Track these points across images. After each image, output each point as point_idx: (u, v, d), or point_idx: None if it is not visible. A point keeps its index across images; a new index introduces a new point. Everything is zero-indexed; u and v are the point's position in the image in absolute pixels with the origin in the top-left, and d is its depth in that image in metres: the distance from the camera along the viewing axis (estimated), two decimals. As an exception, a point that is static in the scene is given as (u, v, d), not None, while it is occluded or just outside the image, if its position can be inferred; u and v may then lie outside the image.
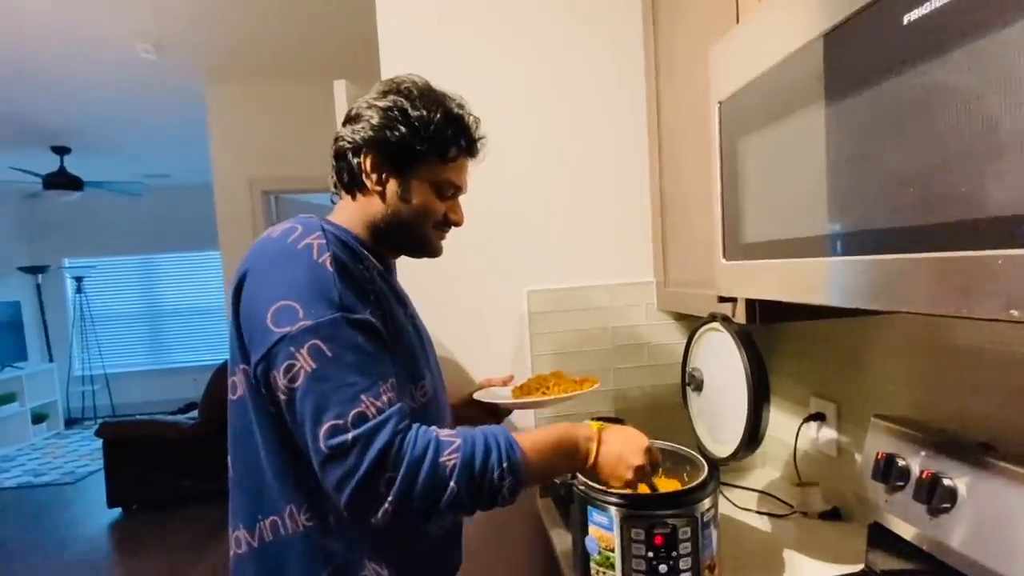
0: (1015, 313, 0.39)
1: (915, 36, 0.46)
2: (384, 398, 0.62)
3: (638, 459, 0.74)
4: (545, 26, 1.30)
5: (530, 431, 0.72)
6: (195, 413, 3.54)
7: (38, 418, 5.13)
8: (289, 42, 2.62)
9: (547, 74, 1.31)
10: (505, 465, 0.64)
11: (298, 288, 0.63)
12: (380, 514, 0.60)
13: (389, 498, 0.59)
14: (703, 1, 0.99)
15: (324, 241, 0.66)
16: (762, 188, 0.70)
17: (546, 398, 0.96)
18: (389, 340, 0.69)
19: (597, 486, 0.81)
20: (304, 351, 0.61)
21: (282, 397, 0.63)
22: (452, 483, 0.61)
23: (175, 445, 3.28)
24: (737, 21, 0.85)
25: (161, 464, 3.29)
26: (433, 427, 0.65)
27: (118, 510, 3.33)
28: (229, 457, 0.73)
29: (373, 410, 0.61)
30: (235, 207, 3.11)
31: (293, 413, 0.63)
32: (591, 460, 0.74)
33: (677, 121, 1.16)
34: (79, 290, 5.56)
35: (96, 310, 5.70)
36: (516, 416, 1.27)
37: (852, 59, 0.53)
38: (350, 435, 0.59)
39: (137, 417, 3.80)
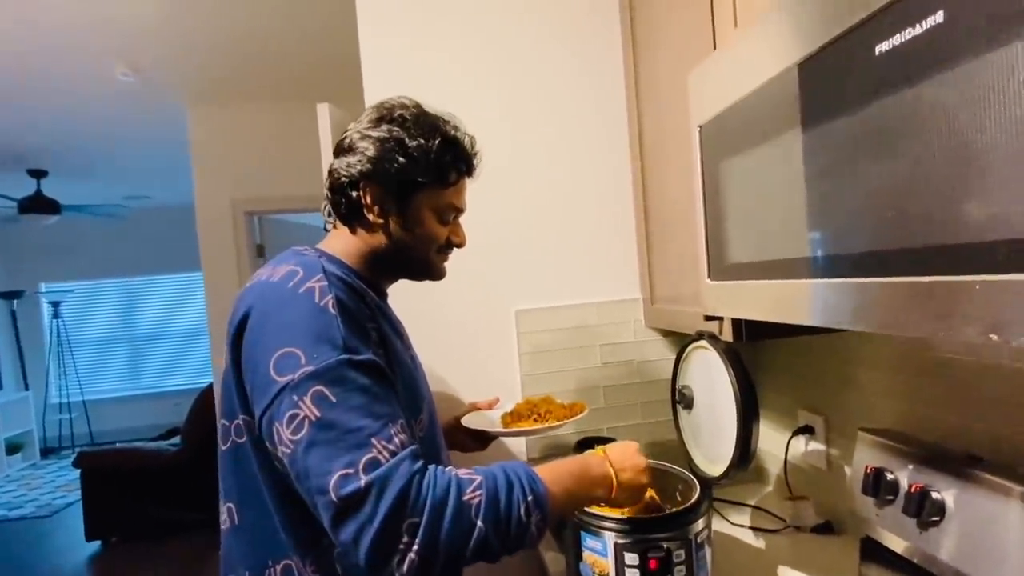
0: (994, 337, 0.40)
1: (887, 66, 0.47)
2: (396, 440, 0.59)
3: (643, 468, 0.73)
4: (527, 48, 1.32)
5: (546, 465, 0.68)
6: (177, 439, 3.45)
7: (13, 448, 4.96)
8: (270, 64, 2.62)
9: (530, 95, 1.32)
10: (530, 499, 0.61)
11: (300, 333, 0.61)
12: (407, 566, 0.55)
13: (415, 547, 0.55)
14: (680, 27, 1.01)
15: (326, 283, 0.64)
16: (744, 210, 0.72)
17: (537, 427, 0.97)
18: (393, 377, 0.68)
19: (589, 510, 0.80)
20: (308, 399, 0.58)
21: (285, 451, 0.59)
22: (479, 522, 0.58)
23: (157, 473, 3.19)
24: (715, 47, 0.87)
25: (142, 494, 3.19)
26: (450, 467, 0.62)
27: (97, 543, 3.22)
28: (226, 503, 0.70)
29: (386, 454, 0.57)
30: (218, 228, 3.07)
31: (296, 467, 0.58)
32: (614, 487, 0.70)
33: (659, 142, 1.18)
34: (56, 315, 5.42)
35: (74, 335, 5.56)
36: (507, 443, 1.27)
37: (827, 87, 0.55)
38: (363, 481, 0.55)
39: (116, 445, 3.69)
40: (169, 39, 2.31)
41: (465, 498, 0.58)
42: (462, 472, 0.61)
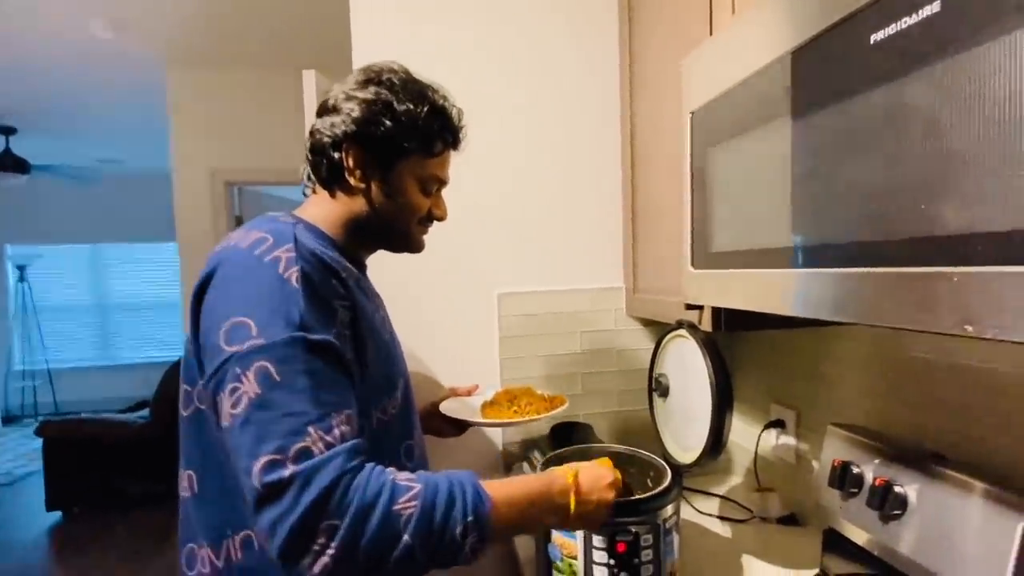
0: (969, 328, 0.40)
1: (881, 56, 0.47)
2: (336, 432, 0.55)
3: (608, 503, 0.70)
4: (522, 30, 1.29)
5: (501, 482, 0.64)
6: (146, 412, 3.38)
7: (-28, 415, 4.82)
8: (256, 27, 2.54)
9: (522, 76, 1.30)
10: (471, 519, 0.57)
11: (256, 304, 0.57)
12: (319, 568, 0.51)
13: (330, 550, 0.51)
14: (676, 13, 1.00)
15: (294, 254, 0.61)
16: (731, 198, 0.71)
17: (516, 419, 0.96)
18: (362, 355, 0.65)
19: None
20: (251, 373, 0.55)
21: (224, 424, 0.56)
22: (406, 536, 0.53)
23: (122, 445, 3.12)
24: (711, 33, 0.86)
25: (107, 465, 3.12)
26: (390, 469, 0.57)
27: (58, 514, 3.15)
28: (186, 471, 0.68)
29: (321, 445, 0.53)
30: (195, 198, 2.98)
31: (231, 443, 0.55)
32: (569, 516, 0.67)
33: (650, 129, 1.17)
34: (22, 279, 5.24)
35: (40, 301, 5.38)
36: (484, 430, 1.26)
37: (819, 76, 0.54)
38: (288, 472, 0.51)
39: (82, 415, 3.60)
40: (150, -4, 2.22)
41: (396, 507, 0.54)
42: (402, 477, 0.57)
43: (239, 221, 3.14)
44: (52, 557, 2.77)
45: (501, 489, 0.62)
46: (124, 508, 3.14)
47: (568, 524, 0.69)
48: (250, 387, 0.54)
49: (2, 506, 3.35)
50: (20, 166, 3.76)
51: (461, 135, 0.78)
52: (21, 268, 5.23)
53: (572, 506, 0.67)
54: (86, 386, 5.50)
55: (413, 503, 0.55)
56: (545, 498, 0.65)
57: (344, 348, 0.61)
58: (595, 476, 0.71)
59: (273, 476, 0.52)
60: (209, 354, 0.59)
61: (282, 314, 0.57)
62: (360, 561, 0.52)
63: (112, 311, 5.61)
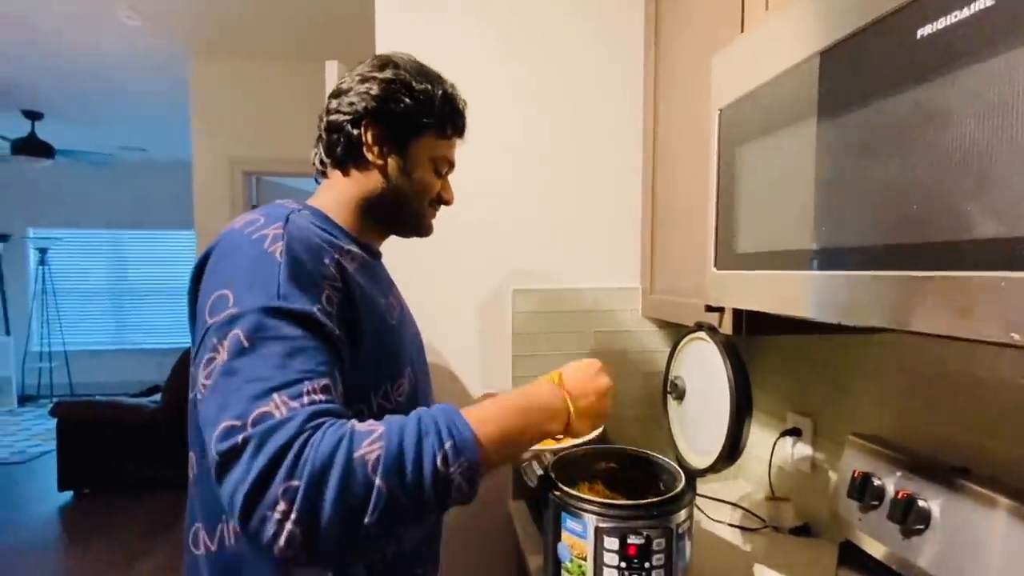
0: (1016, 336, 0.38)
1: (927, 51, 0.45)
2: (305, 399, 0.50)
3: (605, 391, 0.70)
4: (547, 25, 1.28)
5: (482, 403, 0.60)
6: (158, 397, 3.42)
7: (-10, 393, 4.92)
8: (279, 20, 2.56)
9: (546, 74, 1.29)
10: (448, 445, 0.52)
11: (237, 277, 0.57)
12: (284, 539, 0.45)
13: (292, 516, 0.45)
14: (707, 10, 0.98)
15: (281, 231, 0.60)
16: (757, 198, 0.70)
17: (558, 446, 0.83)
18: (356, 337, 0.64)
19: (571, 492, 0.79)
20: (225, 342, 0.53)
21: (197, 397, 0.53)
22: (378, 480, 0.48)
23: (134, 429, 3.16)
24: (743, 30, 0.84)
25: (118, 448, 3.17)
26: (352, 420, 0.52)
27: (69, 494, 3.20)
28: (190, 452, 0.68)
29: (284, 410, 0.49)
30: (214, 187, 3.01)
31: (201, 415, 0.52)
32: (570, 419, 0.65)
33: (674, 129, 1.15)
34: (43, 262, 5.34)
35: (59, 284, 5.47)
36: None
37: (855, 73, 0.53)
38: (241, 436, 0.48)
39: (96, 397, 3.66)
40: (177, -15, 2.24)
41: (358, 454, 0.48)
42: (362, 425, 0.52)
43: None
44: (63, 536, 2.81)
45: (481, 409, 0.58)
46: (134, 491, 3.18)
47: (573, 425, 0.66)
48: (222, 355, 0.52)
49: (16, 485, 3.41)
50: (45, 150, 3.82)
51: (466, 124, 0.81)
52: (42, 251, 5.33)
53: (570, 404, 0.65)
54: (101, 368, 5.59)
55: (378, 444, 0.50)
56: (533, 404, 0.63)
57: (330, 322, 0.58)
58: (581, 371, 0.70)
59: (229, 442, 0.48)
60: (198, 330, 0.58)
61: (260, 285, 0.55)
62: (332, 523, 0.46)
63: (128, 296, 5.70)
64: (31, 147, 3.77)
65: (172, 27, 2.62)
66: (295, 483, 0.46)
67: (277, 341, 0.53)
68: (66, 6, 2.40)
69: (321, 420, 0.50)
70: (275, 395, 0.50)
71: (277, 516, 0.46)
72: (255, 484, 0.46)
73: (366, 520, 0.48)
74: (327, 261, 0.62)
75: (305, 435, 0.48)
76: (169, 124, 4.07)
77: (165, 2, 2.38)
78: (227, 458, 0.48)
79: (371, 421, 0.53)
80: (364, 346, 0.65)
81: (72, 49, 2.86)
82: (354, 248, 0.71)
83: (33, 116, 3.84)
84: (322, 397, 0.52)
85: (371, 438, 0.50)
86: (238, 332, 0.53)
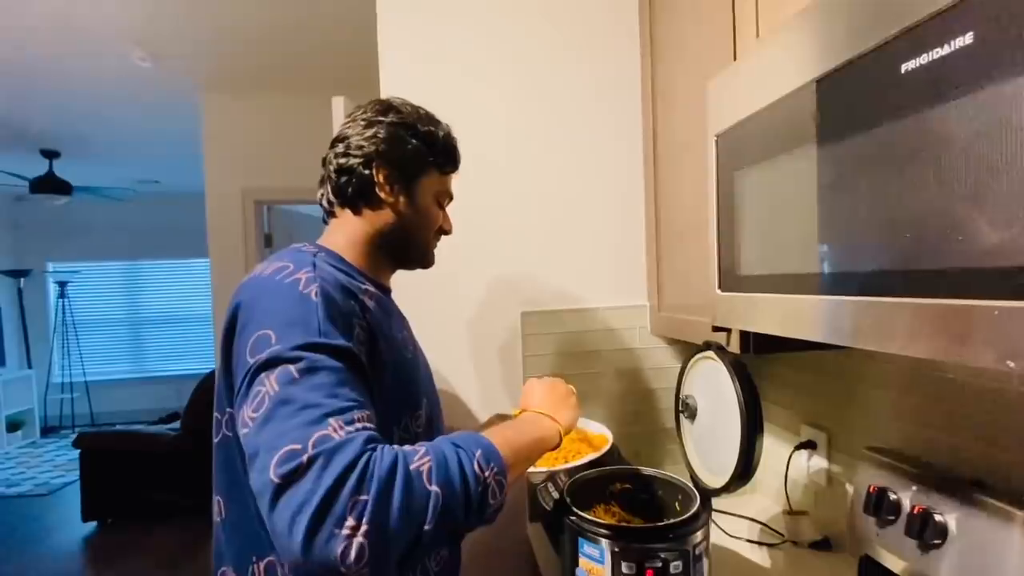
0: (1011, 364, 0.39)
1: (912, 85, 0.47)
2: (356, 425, 0.54)
3: (574, 401, 0.82)
4: (544, 53, 1.32)
5: (491, 429, 0.68)
6: (177, 424, 3.47)
7: (13, 426, 4.99)
8: (286, 54, 2.63)
9: (546, 100, 1.32)
10: (478, 455, 0.58)
11: (276, 317, 0.60)
12: (354, 554, 0.47)
13: (363, 528, 0.47)
14: (700, 37, 1.01)
15: (313, 274, 0.64)
16: (759, 222, 0.71)
17: (567, 464, 0.88)
18: (379, 372, 0.67)
19: (587, 516, 0.80)
20: (273, 377, 0.55)
21: (244, 432, 0.55)
22: (434, 487, 0.53)
23: (155, 457, 3.20)
24: (735, 58, 0.86)
25: (139, 477, 3.21)
26: (396, 444, 0.57)
27: (93, 524, 3.23)
28: (216, 496, 0.70)
29: (342, 433, 0.51)
30: (227, 216, 3.08)
31: (250, 448, 0.53)
32: (559, 425, 0.75)
33: (673, 151, 1.17)
34: (62, 295, 5.45)
35: (79, 316, 5.59)
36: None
37: (849, 102, 0.54)
38: (306, 456, 0.49)
39: (116, 427, 3.71)
40: (187, 25, 2.32)
41: (414, 466, 0.53)
42: (407, 446, 0.57)
43: (268, 238, 3.23)
44: (89, 567, 2.84)
45: (485, 432, 0.65)
46: (157, 519, 3.21)
47: (559, 419, 0.76)
48: (271, 388, 0.54)
49: (40, 516, 3.46)
50: (63, 188, 3.93)
51: (460, 159, 0.87)
52: (61, 284, 5.45)
53: (544, 408, 0.76)
54: (121, 398, 5.67)
55: (427, 457, 0.55)
56: (520, 423, 0.73)
57: (362, 358, 0.63)
58: (545, 394, 0.80)
59: (292, 464, 0.49)
60: (239, 372, 0.60)
61: (301, 323, 0.59)
62: (396, 534, 0.49)
63: (146, 325, 5.79)
64: (49, 185, 3.88)
65: (184, 66, 2.70)
66: (363, 498, 0.49)
67: (325, 372, 0.56)
68: (81, 51, 2.50)
69: (375, 444, 0.54)
70: (331, 420, 0.52)
71: (346, 532, 0.47)
72: (323, 500, 0.47)
73: (426, 527, 0.52)
74: (354, 303, 0.67)
75: (368, 454, 0.51)
76: (182, 157, 4.17)
77: (177, 43, 2.47)
78: (289, 479, 0.49)
79: (407, 445, 0.59)
80: (386, 381, 0.68)
81: (87, 91, 2.96)
82: (370, 287, 0.74)
83: (50, 155, 3.96)
84: (370, 425, 0.56)
85: (419, 453, 0.56)
86: (288, 366, 0.56)
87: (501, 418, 1.05)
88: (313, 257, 0.69)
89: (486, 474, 0.58)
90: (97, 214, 5.44)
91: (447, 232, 0.87)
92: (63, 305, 5.47)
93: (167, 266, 5.75)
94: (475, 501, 0.56)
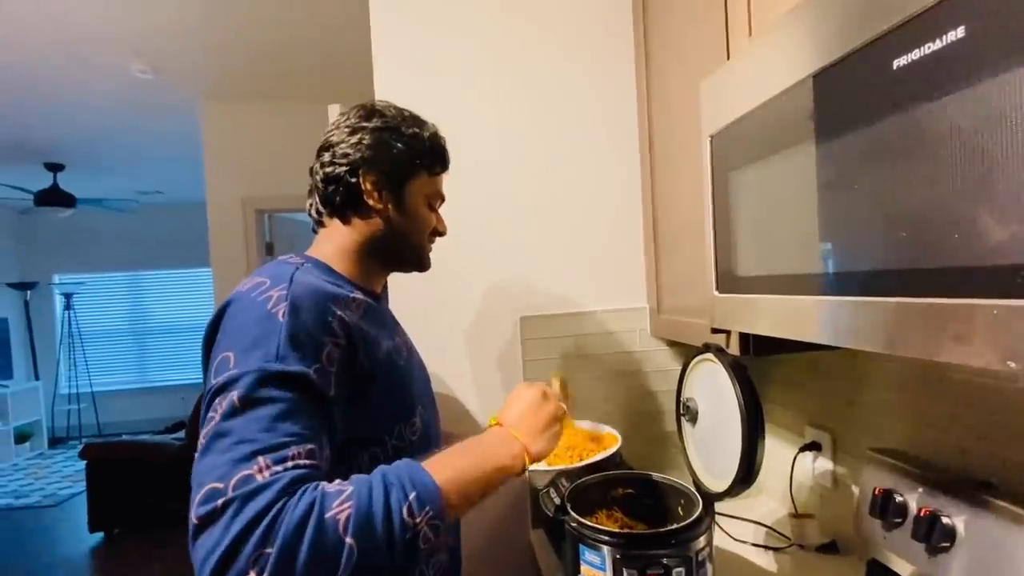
0: (1012, 364, 0.38)
1: (905, 81, 0.46)
2: (289, 463, 0.52)
3: (557, 430, 0.71)
4: (538, 57, 1.31)
5: (439, 456, 0.62)
6: (182, 433, 3.48)
7: (22, 437, 5.02)
8: (284, 64, 2.64)
9: (541, 103, 1.31)
10: (412, 497, 0.54)
11: (239, 339, 0.59)
12: None
13: None
14: (693, 37, 1.00)
15: (286, 291, 0.62)
16: (755, 222, 0.70)
17: (571, 465, 0.85)
18: (364, 384, 0.65)
19: (588, 523, 0.79)
20: (223, 403, 0.54)
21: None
22: (348, 539, 0.49)
23: (161, 466, 3.20)
24: (728, 57, 0.86)
25: (146, 486, 3.21)
26: (322, 482, 0.53)
27: (100, 535, 3.24)
28: None
29: (266, 474, 0.50)
30: (228, 225, 3.09)
31: (192, 476, 0.52)
32: (529, 448, 0.67)
33: (669, 152, 1.16)
34: (68, 306, 5.49)
35: (85, 327, 5.62)
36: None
37: (841, 100, 0.54)
38: (222, 500, 0.48)
39: (123, 437, 3.72)
40: (186, 38, 2.34)
41: (329, 515, 0.50)
42: (332, 485, 0.53)
43: (270, 247, 3.24)
44: (95, 578, 2.84)
45: (438, 459, 0.60)
46: (163, 528, 3.22)
47: (531, 450, 0.67)
48: (215, 418, 0.54)
49: (48, 528, 3.47)
50: (67, 200, 3.96)
51: (449, 159, 0.85)
52: (67, 296, 5.49)
53: (515, 432, 0.66)
54: (127, 407, 5.70)
55: (347, 504, 0.51)
56: (482, 443, 0.65)
57: (325, 383, 0.59)
58: (525, 410, 0.70)
59: (209, 506, 0.49)
60: (205, 392, 0.60)
61: (261, 346, 0.57)
62: None
63: (151, 335, 5.82)
64: (54, 198, 3.91)
65: (183, 77, 2.72)
66: (268, 551, 0.47)
67: (268, 404, 0.54)
68: (83, 65, 2.52)
69: (301, 486, 0.51)
70: (260, 458, 0.51)
71: None
72: (228, 550, 0.47)
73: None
74: (330, 319, 0.63)
75: (282, 502, 0.49)
76: (183, 167, 4.19)
77: (176, 55, 2.48)
78: (205, 521, 0.48)
79: (339, 481, 0.54)
80: (376, 393, 0.67)
81: (89, 104, 2.98)
82: (359, 295, 0.73)
83: (55, 168, 4.00)
84: (306, 462, 0.53)
85: (341, 498, 0.52)
86: (232, 395, 0.54)
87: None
88: (295, 270, 0.67)
89: (417, 520, 0.53)
90: (101, 226, 5.48)
91: (441, 234, 0.85)
92: (69, 317, 5.50)
93: (170, 276, 5.78)
94: (400, 548, 0.52)
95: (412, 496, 0.54)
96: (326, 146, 0.78)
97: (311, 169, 0.80)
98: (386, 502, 0.53)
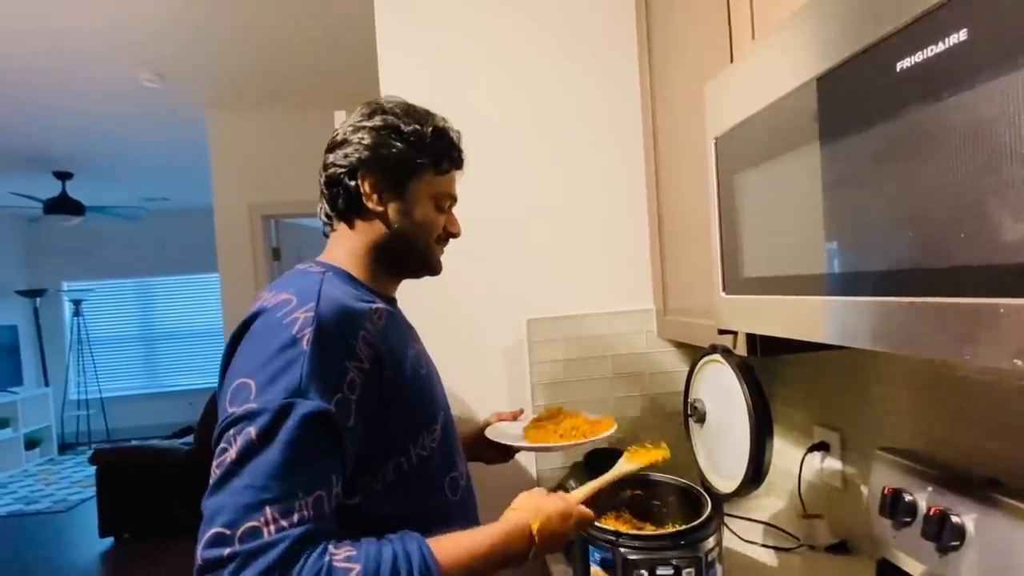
0: (1019, 363, 0.38)
1: (908, 82, 0.46)
2: (295, 516, 0.53)
3: (567, 530, 0.70)
4: (543, 59, 1.32)
5: (454, 539, 0.62)
6: (191, 438, 3.50)
7: (31, 443, 5.06)
8: (290, 70, 2.67)
9: (546, 105, 1.32)
10: None
11: (260, 366, 0.58)
12: None
13: None
14: (697, 40, 1.01)
15: (312, 314, 0.61)
16: (761, 223, 0.71)
17: (561, 443, 0.93)
18: (389, 400, 0.65)
19: (598, 524, 0.79)
20: (240, 436, 0.54)
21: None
22: None
23: (170, 471, 3.22)
24: (732, 60, 0.86)
25: (155, 492, 3.23)
26: (332, 549, 0.54)
27: (110, 540, 3.26)
28: None
29: (272, 528, 0.51)
30: (235, 231, 3.12)
31: (203, 505, 0.54)
32: (527, 558, 0.67)
33: (674, 153, 1.17)
34: (77, 313, 5.54)
35: (93, 333, 5.67)
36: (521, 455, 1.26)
37: (846, 101, 0.54)
38: (227, 550, 0.50)
39: (132, 443, 3.75)
40: (192, 46, 2.37)
41: None
42: (340, 557, 0.54)
43: (276, 252, 3.26)
44: (106, 583, 2.86)
45: (452, 550, 0.60)
46: (173, 533, 3.23)
47: (524, 562, 0.68)
48: (231, 452, 0.54)
49: (60, 533, 3.50)
50: (76, 208, 4.00)
51: (463, 156, 0.80)
52: (76, 303, 5.54)
53: (529, 553, 0.66)
54: (136, 413, 5.74)
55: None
56: (502, 550, 0.64)
57: (345, 414, 0.60)
58: (555, 520, 0.69)
59: (214, 552, 0.50)
60: (220, 411, 0.60)
61: (283, 379, 0.57)
62: None
63: (159, 340, 5.87)
64: (63, 206, 3.95)
65: (190, 85, 2.75)
66: None
67: (286, 446, 0.54)
68: (91, 75, 2.55)
69: (305, 548, 0.52)
70: (268, 508, 0.52)
71: None
72: None
73: None
74: (354, 341, 0.63)
75: (286, 565, 0.51)
76: (190, 174, 4.23)
77: (183, 63, 2.51)
78: (210, 566, 0.50)
79: (348, 548, 0.55)
80: (398, 406, 0.67)
81: (97, 113, 3.02)
82: (379, 304, 0.71)
83: (63, 176, 4.04)
84: (310, 513, 0.54)
85: (350, 575, 0.53)
86: (250, 430, 0.54)
87: (498, 417, 1.05)
88: (320, 283, 0.66)
89: None
90: (109, 233, 5.53)
91: (455, 235, 0.81)
92: (78, 323, 5.55)
93: (178, 282, 5.83)
94: None
95: None
96: (332, 146, 0.76)
97: (320, 169, 0.78)
98: None
